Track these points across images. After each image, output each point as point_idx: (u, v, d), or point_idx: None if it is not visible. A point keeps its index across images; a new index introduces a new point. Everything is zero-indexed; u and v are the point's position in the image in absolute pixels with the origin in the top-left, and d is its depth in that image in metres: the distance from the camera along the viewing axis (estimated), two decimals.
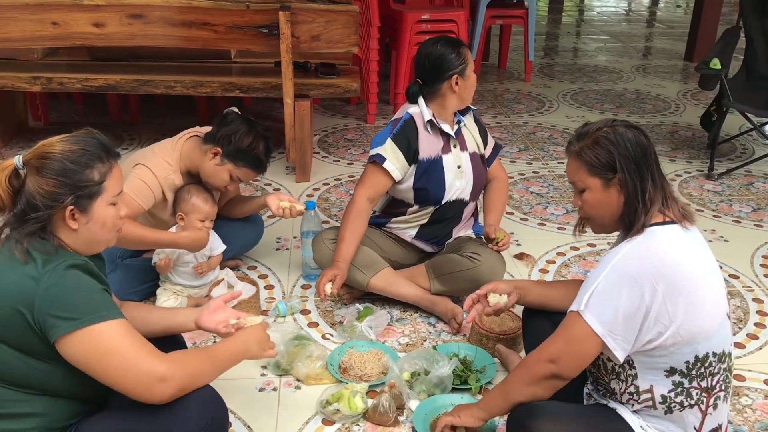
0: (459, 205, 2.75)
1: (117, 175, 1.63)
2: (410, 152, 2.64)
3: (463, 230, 2.84)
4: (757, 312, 2.79)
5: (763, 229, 3.50)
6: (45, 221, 1.53)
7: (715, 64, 3.92)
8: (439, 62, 2.59)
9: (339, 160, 4.31)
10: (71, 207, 1.55)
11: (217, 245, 2.74)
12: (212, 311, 1.88)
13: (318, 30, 3.60)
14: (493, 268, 2.61)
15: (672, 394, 1.72)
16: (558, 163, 4.31)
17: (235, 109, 2.67)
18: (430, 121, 2.64)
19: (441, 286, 2.68)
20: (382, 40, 5.19)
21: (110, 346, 1.49)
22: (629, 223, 1.75)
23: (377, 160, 2.64)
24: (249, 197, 2.96)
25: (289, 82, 3.62)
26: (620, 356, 1.69)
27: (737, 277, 3.04)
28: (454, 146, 2.70)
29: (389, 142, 2.65)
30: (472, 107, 2.80)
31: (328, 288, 2.49)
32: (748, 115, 4.10)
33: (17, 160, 1.54)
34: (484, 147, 2.81)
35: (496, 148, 2.87)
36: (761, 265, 3.15)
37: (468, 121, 2.77)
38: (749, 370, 2.44)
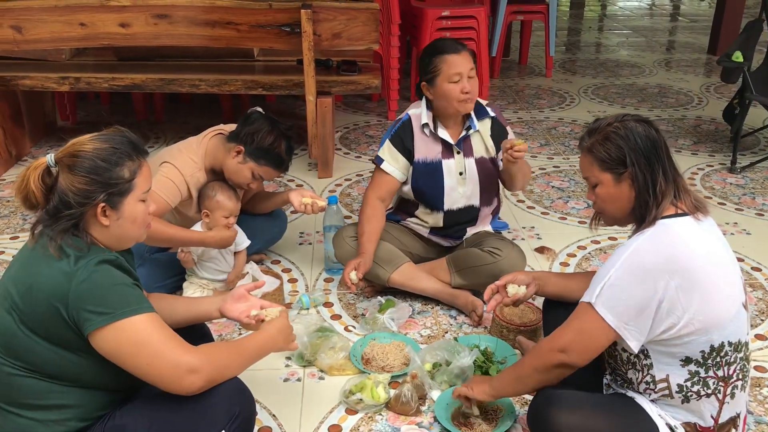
0: (471, 210, 2.76)
1: (146, 173, 1.67)
2: (406, 153, 2.69)
3: (481, 227, 2.85)
4: None
5: None
6: (78, 218, 1.57)
7: (738, 56, 3.90)
8: (419, 66, 2.65)
9: (361, 156, 4.35)
10: (103, 204, 1.59)
11: (241, 240, 2.79)
12: (236, 300, 1.92)
13: (339, 28, 3.64)
14: (514, 263, 2.63)
15: (688, 384, 1.73)
16: (579, 157, 4.30)
17: (259, 109, 2.72)
18: (426, 124, 2.67)
19: (461, 280, 2.71)
20: (403, 37, 5.22)
21: (142, 339, 1.53)
22: (641, 217, 1.77)
23: (377, 162, 2.73)
24: (272, 193, 3.01)
25: (311, 79, 3.67)
26: (635, 346, 1.71)
27: (759, 270, 3.04)
28: (458, 152, 2.69)
29: (387, 143, 2.73)
30: (490, 112, 2.72)
31: (353, 276, 2.53)
32: None
33: (49, 158, 1.59)
34: (497, 150, 2.72)
35: None
36: None
37: (483, 126, 2.71)
38: None
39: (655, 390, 1.78)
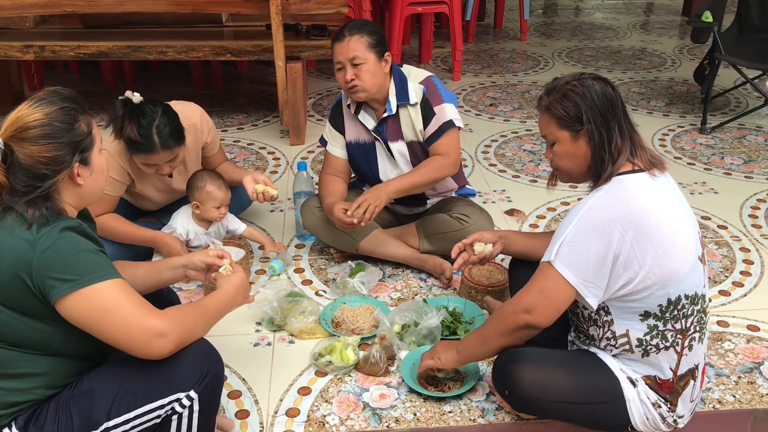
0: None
1: (95, 124, 1.66)
2: (342, 132, 2.69)
3: (439, 198, 2.82)
4: (743, 261, 2.83)
5: (753, 181, 3.53)
6: (50, 188, 1.55)
7: (707, 16, 3.90)
8: None
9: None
10: (77, 163, 1.57)
11: (235, 227, 2.81)
12: (198, 271, 1.95)
13: None
14: (482, 229, 2.63)
15: (647, 337, 1.77)
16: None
17: (126, 94, 2.45)
18: (348, 105, 2.66)
19: (430, 245, 2.72)
20: (376, 1, 5.17)
21: (108, 305, 1.52)
22: (597, 174, 1.79)
23: (322, 143, 2.77)
24: (234, 169, 2.92)
25: (279, 44, 3.63)
26: (593, 303, 1.74)
27: (725, 228, 3.08)
28: (376, 139, 2.65)
29: (327, 123, 2.74)
30: (412, 98, 2.56)
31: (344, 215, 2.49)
32: (741, 68, 4.08)
33: None
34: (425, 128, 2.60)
35: (441, 129, 2.56)
36: (749, 215, 3.18)
37: (413, 110, 2.58)
38: (733, 317, 2.50)
39: (616, 345, 1.82)
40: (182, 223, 2.72)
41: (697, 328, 1.79)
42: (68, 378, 1.64)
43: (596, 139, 1.76)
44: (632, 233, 1.67)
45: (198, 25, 4.10)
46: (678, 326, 1.76)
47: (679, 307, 1.74)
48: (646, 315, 1.75)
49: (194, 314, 1.68)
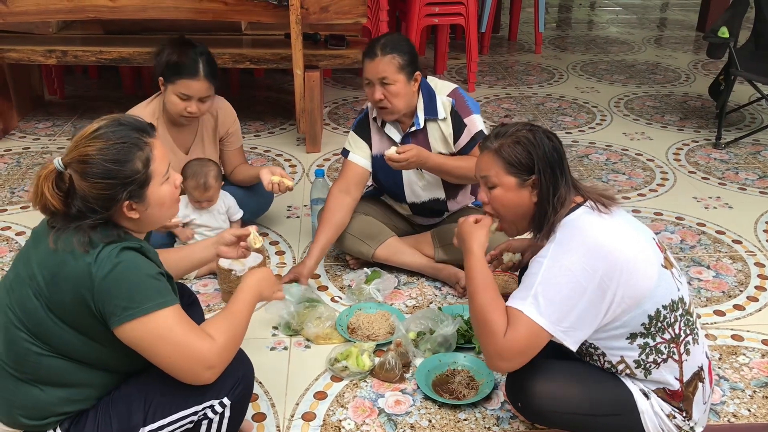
0: (437, 203, 2.75)
1: (160, 153, 1.61)
2: (369, 143, 2.70)
3: (457, 207, 2.84)
4: (758, 276, 2.83)
5: (767, 197, 3.53)
6: (102, 219, 1.56)
7: (723, 32, 3.92)
8: None
9: (349, 132, 4.34)
10: (127, 201, 1.57)
11: (234, 211, 2.84)
12: (228, 245, 2.03)
13: (327, 1, 3.63)
14: (498, 240, 2.65)
15: (643, 357, 1.78)
16: (566, 133, 4.34)
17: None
18: (375, 118, 2.68)
19: (445, 255, 2.73)
20: (392, 12, 5.21)
21: (163, 333, 1.55)
22: (539, 225, 1.81)
23: (343, 155, 2.76)
24: (250, 167, 2.98)
25: (298, 53, 3.67)
26: (572, 346, 1.73)
27: (740, 243, 3.09)
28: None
29: (351, 134, 2.75)
30: (440, 113, 2.59)
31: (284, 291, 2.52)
32: (757, 83, 4.09)
33: (57, 163, 1.54)
34: (457, 141, 2.63)
35: (474, 139, 2.59)
36: (764, 230, 3.18)
37: (443, 124, 2.61)
38: (747, 331, 2.50)
39: (618, 371, 1.83)
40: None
41: (687, 332, 1.79)
42: (116, 387, 1.69)
43: (543, 191, 1.79)
44: (600, 269, 1.68)
45: (218, 33, 4.15)
46: (667, 336, 1.76)
47: (661, 318, 1.75)
48: (632, 336, 1.76)
49: (238, 334, 1.69)
